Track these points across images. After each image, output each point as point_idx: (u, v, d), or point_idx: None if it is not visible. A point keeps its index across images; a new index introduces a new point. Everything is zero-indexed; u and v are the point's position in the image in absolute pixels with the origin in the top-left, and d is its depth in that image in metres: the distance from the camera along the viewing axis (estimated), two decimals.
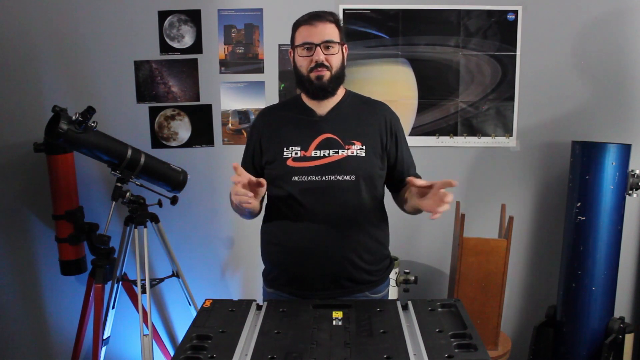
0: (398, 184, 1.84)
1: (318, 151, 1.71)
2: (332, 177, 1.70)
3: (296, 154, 1.72)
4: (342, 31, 1.75)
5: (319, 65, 1.68)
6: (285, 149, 1.73)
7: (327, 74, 1.70)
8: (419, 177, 1.85)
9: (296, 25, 1.74)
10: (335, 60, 1.71)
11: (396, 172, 1.82)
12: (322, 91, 1.72)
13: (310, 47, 1.68)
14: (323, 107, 1.77)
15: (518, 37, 2.71)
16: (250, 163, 1.82)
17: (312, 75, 1.70)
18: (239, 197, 1.53)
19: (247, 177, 1.55)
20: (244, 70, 2.72)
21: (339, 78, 1.74)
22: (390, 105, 1.87)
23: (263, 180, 1.59)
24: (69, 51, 2.63)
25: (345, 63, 1.77)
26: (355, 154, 1.71)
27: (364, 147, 1.72)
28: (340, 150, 1.71)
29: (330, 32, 1.69)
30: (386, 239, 1.85)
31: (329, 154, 1.71)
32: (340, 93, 1.80)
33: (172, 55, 2.68)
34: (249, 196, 1.52)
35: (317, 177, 1.70)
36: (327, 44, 1.68)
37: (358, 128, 1.75)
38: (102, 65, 2.65)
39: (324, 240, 1.68)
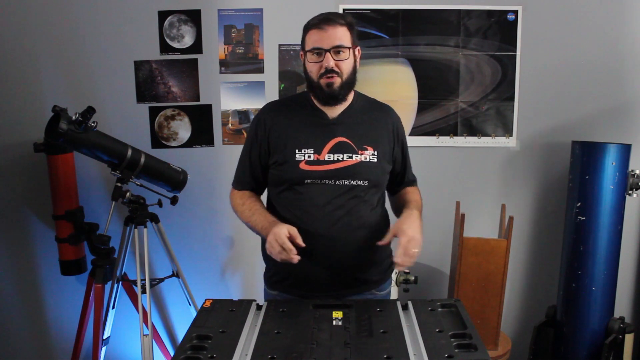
0: (397, 187, 1.87)
1: (332, 155, 1.70)
2: (346, 182, 1.69)
3: (309, 157, 1.70)
4: (355, 33, 1.71)
5: (329, 71, 1.65)
6: (297, 151, 1.70)
7: (337, 81, 1.67)
8: (414, 178, 1.90)
9: (306, 28, 1.70)
10: (346, 66, 1.67)
11: (399, 176, 1.84)
12: (333, 98, 1.70)
13: (320, 52, 1.65)
14: (334, 110, 1.75)
15: (518, 37, 2.71)
16: (257, 159, 1.78)
17: (322, 81, 1.67)
18: (283, 255, 1.56)
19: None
20: (244, 70, 2.72)
21: (349, 84, 1.71)
22: (390, 105, 1.87)
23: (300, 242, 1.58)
24: (69, 51, 2.63)
25: (358, 66, 1.74)
26: (368, 159, 1.71)
27: (375, 153, 1.72)
28: (354, 156, 1.70)
29: (340, 36, 1.65)
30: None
31: (342, 158, 1.70)
32: (350, 95, 1.78)
33: (172, 55, 2.68)
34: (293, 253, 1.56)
35: (330, 181, 1.69)
36: (337, 49, 1.64)
37: (370, 133, 1.74)
38: (102, 65, 2.65)
39: (335, 243, 1.68)
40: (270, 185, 1.79)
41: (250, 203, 1.78)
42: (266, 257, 1.83)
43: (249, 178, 1.82)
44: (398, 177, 1.85)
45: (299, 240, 1.57)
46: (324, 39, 1.64)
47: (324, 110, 1.75)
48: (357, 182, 1.70)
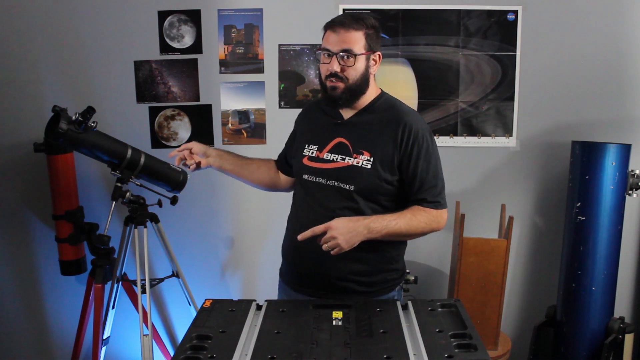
0: (407, 202, 1.72)
1: (330, 154, 1.72)
2: (335, 183, 1.70)
3: (312, 153, 1.75)
4: (373, 38, 1.67)
5: (333, 75, 1.64)
6: (306, 146, 1.77)
7: (340, 86, 1.65)
8: (435, 202, 1.70)
9: (325, 28, 1.69)
10: (353, 72, 1.64)
11: (406, 189, 1.71)
12: (333, 102, 1.69)
13: (330, 54, 1.64)
14: (349, 110, 1.74)
15: (518, 37, 2.71)
16: (289, 147, 1.91)
17: (328, 84, 1.67)
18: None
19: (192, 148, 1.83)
20: (244, 70, 2.72)
21: (355, 90, 1.67)
22: None
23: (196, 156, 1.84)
24: (69, 51, 2.63)
25: (374, 71, 1.70)
26: (360, 164, 1.67)
27: (371, 159, 1.67)
28: (347, 158, 1.69)
29: (350, 40, 1.62)
30: (394, 254, 1.77)
31: (336, 159, 1.71)
32: (371, 95, 1.73)
33: (172, 55, 2.68)
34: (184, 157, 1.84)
35: (322, 180, 1.71)
36: (344, 54, 1.62)
37: (371, 138, 1.69)
38: (102, 65, 2.65)
39: (314, 244, 1.63)
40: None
41: None
42: (282, 251, 1.89)
43: (283, 158, 1.97)
44: (406, 190, 1.71)
45: (193, 156, 1.82)
46: (333, 41, 1.63)
47: (340, 110, 1.76)
48: (343, 185, 1.68)
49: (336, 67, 1.63)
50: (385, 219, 1.63)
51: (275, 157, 2.02)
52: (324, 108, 1.80)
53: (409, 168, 1.67)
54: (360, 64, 1.65)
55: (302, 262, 1.76)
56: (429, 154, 1.69)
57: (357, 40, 1.63)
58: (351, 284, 1.72)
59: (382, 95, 1.77)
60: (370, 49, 1.66)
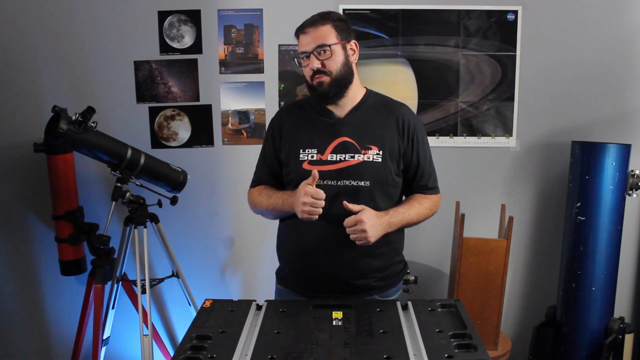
0: (408, 190, 1.82)
1: (334, 155, 1.70)
2: (348, 182, 1.69)
3: (312, 157, 1.71)
4: (345, 28, 1.70)
5: (316, 72, 1.67)
6: (301, 151, 1.73)
7: (326, 80, 1.67)
8: (434, 187, 1.82)
9: (296, 35, 1.73)
10: (333, 63, 1.67)
11: (409, 177, 1.78)
12: (324, 97, 1.70)
13: (308, 55, 1.68)
14: (342, 109, 1.75)
15: (518, 37, 2.71)
16: (273, 158, 1.81)
17: (314, 82, 1.69)
18: (312, 209, 1.58)
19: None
20: (243, 70, 2.72)
21: (341, 80, 1.69)
22: None
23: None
24: (69, 51, 2.63)
25: (355, 60, 1.73)
26: (371, 159, 1.69)
27: (380, 152, 1.70)
28: (356, 155, 1.69)
29: (322, 35, 1.66)
30: (399, 244, 1.82)
31: (345, 158, 1.70)
32: (360, 94, 1.77)
33: (172, 55, 2.68)
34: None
35: (332, 182, 1.69)
36: (320, 49, 1.66)
37: (376, 132, 1.72)
38: (102, 65, 2.65)
39: (334, 243, 1.68)
40: (284, 185, 1.82)
41: (267, 190, 1.80)
42: (279, 255, 1.87)
43: (266, 176, 1.85)
44: (409, 178, 1.79)
45: (321, 194, 1.59)
46: (307, 42, 1.67)
47: (332, 109, 1.75)
48: (359, 183, 1.68)
49: (317, 64, 1.66)
50: (400, 213, 1.70)
51: None
52: (313, 110, 1.79)
53: (412, 158, 1.76)
54: (338, 54, 1.68)
55: (315, 266, 1.73)
56: (425, 143, 1.80)
57: (327, 33, 1.67)
58: (370, 281, 1.74)
59: (370, 92, 1.82)
60: (343, 39, 1.70)
